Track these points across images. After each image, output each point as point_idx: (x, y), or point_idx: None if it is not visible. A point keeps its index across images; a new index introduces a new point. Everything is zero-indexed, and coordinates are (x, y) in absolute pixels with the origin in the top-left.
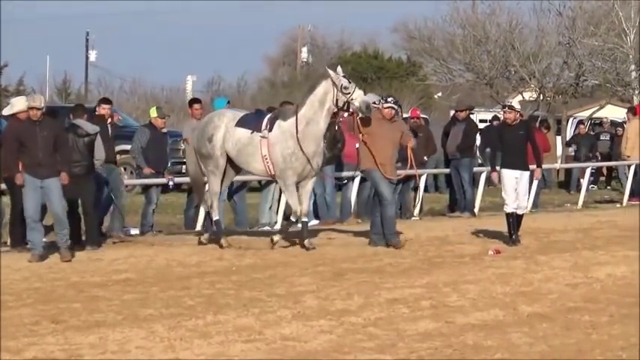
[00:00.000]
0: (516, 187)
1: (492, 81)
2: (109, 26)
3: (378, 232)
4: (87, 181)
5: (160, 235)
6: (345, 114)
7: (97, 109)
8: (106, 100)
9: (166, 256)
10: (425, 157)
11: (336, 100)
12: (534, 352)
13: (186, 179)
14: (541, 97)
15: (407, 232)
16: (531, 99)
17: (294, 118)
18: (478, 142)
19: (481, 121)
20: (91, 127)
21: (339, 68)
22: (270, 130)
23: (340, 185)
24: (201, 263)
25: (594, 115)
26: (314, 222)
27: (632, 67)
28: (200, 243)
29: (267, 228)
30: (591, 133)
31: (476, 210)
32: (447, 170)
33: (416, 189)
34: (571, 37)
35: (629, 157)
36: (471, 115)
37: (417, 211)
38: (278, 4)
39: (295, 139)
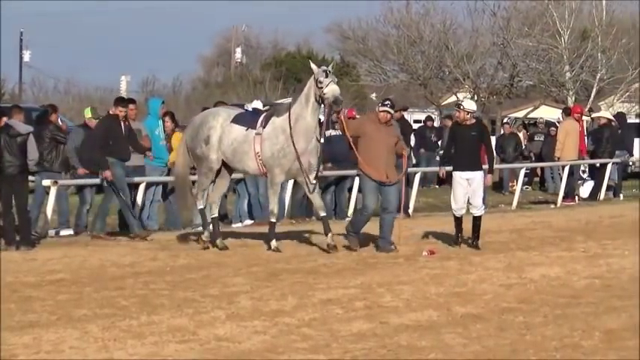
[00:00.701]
0: (467, 191)
1: (426, 81)
2: (43, 26)
3: (356, 232)
4: (20, 181)
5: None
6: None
7: (113, 109)
8: (128, 100)
9: (100, 256)
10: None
11: (315, 94)
12: (468, 352)
13: None
14: (475, 98)
15: (341, 232)
16: (466, 98)
17: (287, 114)
18: (412, 142)
19: (415, 121)
20: (23, 128)
21: (330, 66)
22: (265, 127)
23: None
24: (135, 264)
25: (529, 116)
26: (248, 222)
27: (567, 67)
28: (201, 242)
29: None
30: (517, 132)
31: (410, 210)
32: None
33: (350, 189)
34: (505, 38)
35: (559, 158)
36: (405, 116)
37: (350, 211)
38: (212, 4)
39: (287, 135)
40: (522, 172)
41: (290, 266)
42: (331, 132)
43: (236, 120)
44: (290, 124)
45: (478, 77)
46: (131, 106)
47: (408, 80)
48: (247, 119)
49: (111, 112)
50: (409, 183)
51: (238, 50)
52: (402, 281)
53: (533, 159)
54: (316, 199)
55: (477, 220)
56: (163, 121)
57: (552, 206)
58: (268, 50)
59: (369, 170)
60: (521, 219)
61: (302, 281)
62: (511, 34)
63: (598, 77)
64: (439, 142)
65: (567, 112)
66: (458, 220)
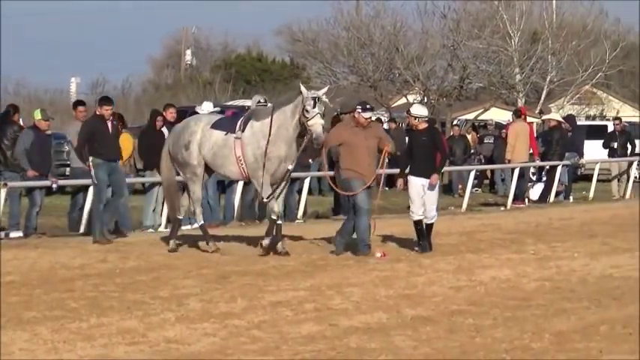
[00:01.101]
0: (423, 195)
1: (376, 83)
2: None
3: (345, 237)
4: None
5: (43, 238)
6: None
7: (98, 109)
8: (106, 101)
9: (50, 258)
10: (310, 160)
11: (299, 118)
12: (418, 354)
13: (71, 182)
14: (425, 100)
15: (291, 234)
16: (415, 101)
17: (269, 119)
18: None
19: None
20: None
21: (323, 90)
22: (244, 130)
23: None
24: (85, 266)
25: (479, 118)
26: (197, 224)
27: (517, 70)
28: (171, 251)
29: (150, 230)
30: (466, 134)
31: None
32: (332, 173)
33: (300, 191)
34: (455, 40)
35: (509, 160)
36: None
37: (300, 213)
38: (162, 5)
39: (267, 140)
40: (472, 175)
41: (239, 268)
42: None
43: (215, 125)
44: (270, 130)
45: (428, 79)
46: (80, 107)
47: (358, 82)
48: (226, 124)
49: (97, 113)
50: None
51: (188, 52)
52: (351, 283)
53: (483, 161)
54: (277, 205)
55: (429, 226)
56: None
57: (502, 208)
58: (218, 52)
59: (352, 174)
60: (471, 221)
61: (251, 283)
62: (461, 36)
63: (548, 79)
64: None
65: (518, 113)
66: (417, 224)
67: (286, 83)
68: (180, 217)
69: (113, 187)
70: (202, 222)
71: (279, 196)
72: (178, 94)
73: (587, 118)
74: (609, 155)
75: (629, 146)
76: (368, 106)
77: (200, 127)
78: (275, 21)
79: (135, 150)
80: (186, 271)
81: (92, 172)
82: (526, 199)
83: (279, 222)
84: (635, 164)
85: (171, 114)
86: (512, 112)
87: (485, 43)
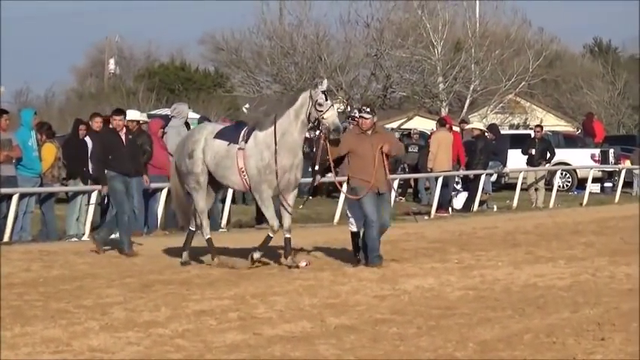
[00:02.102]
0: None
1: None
2: None
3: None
4: None
5: None
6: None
7: (110, 119)
8: (117, 112)
9: None
10: None
11: (309, 114)
12: None
13: None
14: (349, 109)
15: (214, 243)
16: (339, 110)
17: (272, 128)
18: None
19: None
20: None
21: (324, 82)
22: (247, 141)
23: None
24: (9, 275)
25: (403, 127)
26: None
27: (440, 79)
28: (183, 264)
29: (74, 239)
30: None
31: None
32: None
33: (223, 200)
34: (379, 49)
35: (432, 169)
36: None
37: (224, 222)
38: (86, 14)
39: (272, 150)
40: (395, 183)
41: (163, 277)
42: None
43: (219, 134)
44: (275, 140)
45: (351, 88)
46: (5, 116)
47: (282, 91)
48: (229, 134)
49: (110, 125)
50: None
51: (111, 61)
52: (275, 292)
53: (407, 170)
54: (287, 219)
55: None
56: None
57: (426, 217)
58: (141, 61)
59: (361, 183)
60: (395, 230)
61: (175, 292)
62: (384, 45)
63: (472, 88)
64: (310, 153)
65: (442, 122)
66: (356, 236)
67: (209, 92)
68: (193, 229)
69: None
70: (209, 235)
71: (289, 208)
72: (102, 103)
73: (511, 127)
74: (528, 162)
75: (548, 154)
76: (367, 109)
77: (203, 136)
78: (198, 30)
79: (58, 159)
80: (109, 280)
81: (108, 186)
82: (449, 208)
83: (287, 235)
84: (558, 173)
85: (97, 123)
86: (436, 121)
87: (409, 52)
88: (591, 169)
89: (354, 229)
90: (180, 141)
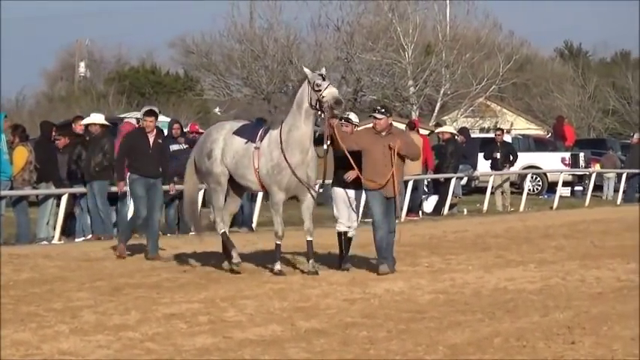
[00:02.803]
0: (349, 206)
1: (270, 96)
2: None
3: (383, 257)
4: None
5: None
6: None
7: (141, 121)
8: (149, 112)
9: None
10: None
11: (310, 98)
12: None
13: None
14: (319, 112)
15: (184, 247)
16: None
17: (280, 127)
18: None
19: None
20: None
21: (323, 69)
22: (262, 140)
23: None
24: None
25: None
26: (89, 236)
27: (410, 82)
28: (237, 264)
29: (44, 242)
30: None
31: (254, 225)
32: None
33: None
34: (349, 52)
35: None
36: None
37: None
38: (57, 18)
39: (280, 149)
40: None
41: (133, 281)
42: (175, 147)
43: (238, 132)
44: (281, 138)
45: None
46: None
47: (252, 94)
48: (248, 131)
49: (140, 125)
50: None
51: (82, 64)
52: (245, 296)
53: None
54: (308, 220)
55: (349, 239)
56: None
57: (396, 221)
58: (112, 65)
59: (371, 184)
60: (365, 233)
61: (145, 296)
62: (355, 48)
63: (442, 92)
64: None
65: (411, 126)
66: (343, 236)
67: (180, 95)
68: (224, 230)
69: (148, 203)
70: (223, 230)
71: (308, 210)
72: (72, 106)
73: (482, 130)
74: (492, 167)
75: (511, 157)
76: (381, 109)
77: (222, 135)
78: (169, 34)
79: (30, 163)
80: (80, 283)
81: (128, 189)
82: (420, 212)
83: (309, 238)
84: (528, 177)
85: (80, 126)
86: (405, 125)
87: (379, 55)
88: (562, 172)
89: (342, 228)
90: (200, 140)
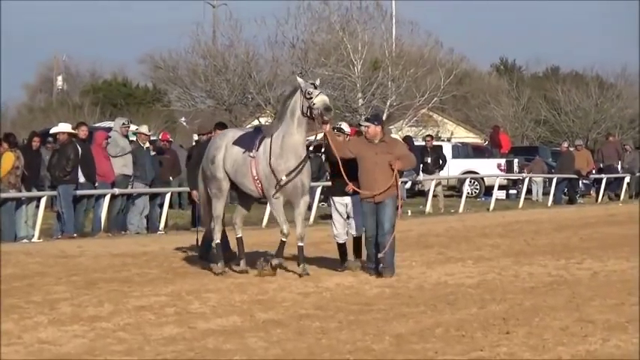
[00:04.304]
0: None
1: (231, 107)
2: None
3: (373, 263)
4: None
5: None
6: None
7: (213, 134)
8: (221, 126)
9: None
10: (170, 177)
11: (302, 106)
12: (269, 355)
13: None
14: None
15: (153, 245)
16: (267, 124)
17: (276, 134)
18: None
19: None
20: None
21: (318, 80)
22: (258, 149)
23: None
24: None
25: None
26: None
27: (359, 95)
28: (242, 271)
29: (25, 241)
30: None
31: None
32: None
33: (161, 205)
34: (303, 67)
35: None
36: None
37: (162, 225)
38: (37, 35)
39: (276, 154)
40: (318, 191)
41: (106, 276)
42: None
43: (237, 141)
44: (274, 144)
45: (278, 103)
46: None
47: (215, 106)
48: (246, 141)
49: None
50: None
51: (59, 78)
52: (209, 289)
53: (329, 178)
54: (300, 226)
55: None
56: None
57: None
58: (87, 78)
59: (365, 194)
60: (316, 232)
61: (117, 289)
62: (308, 64)
63: (388, 103)
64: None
65: (359, 135)
66: (341, 246)
67: (149, 106)
68: (240, 235)
69: None
70: (219, 240)
71: (301, 216)
72: (50, 116)
73: (424, 139)
74: (423, 170)
75: (440, 161)
76: (370, 117)
77: (224, 143)
78: (138, 50)
79: (17, 168)
80: (57, 278)
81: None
82: None
83: (300, 244)
84: (467, 181)
85: (83, 132)
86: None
87: (331, 70)
88: (497, 177)
89: (341, 240)
90: (208, 147)
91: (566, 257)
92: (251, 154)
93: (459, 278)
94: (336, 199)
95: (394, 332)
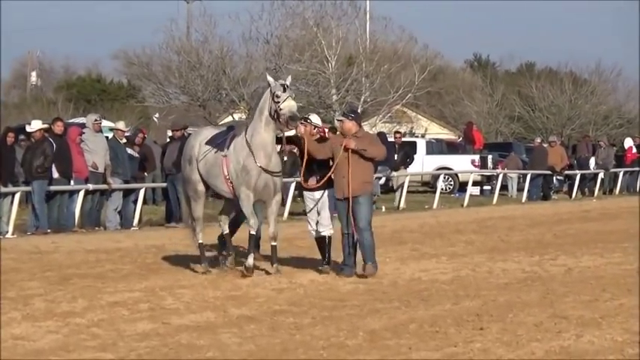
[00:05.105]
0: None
1: (205, 103)
2: None
3: (347, 263)
4: None
5: None
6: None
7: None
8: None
9: None
10: (145, 173)
11: (270, 108)
12: (243, 350)
13: None
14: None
15: (126, 241)
16: (241, 119)
17: (245, 131)
18: None
19: None
20: None
21: (289, 78)
22: (229, 148)
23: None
24: None
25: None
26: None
27: (333, 91)
28: (229, 266)
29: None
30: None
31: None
32: (165, 184)
33: (135, 201)
34: (277, 64)
35: None
36: (186, 134)
37: (136, 221)
38: (11, 31)
39: (247, 151)
40: (292, 187)
41: (80, 271)
42: (128, 151)
43: (209, 142)
44: (247, 140)
45: (252, 99)
46: None
47: (189, 102)
48: (217, 140)
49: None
50: None
51: (33, 74)
52: (182, 285)
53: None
54: (272, 225)
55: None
56: None
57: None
58: (60, 74)
59: (337, 192)
60: (290, 229)
61: (91, 285)
62: (283, 60)
63: (362, 99)
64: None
65: (334, 131)
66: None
67: (123, 103)
68: (201, 242)
69: None
70: (201, 240)
71: (273, 215)
72: (24, 112)
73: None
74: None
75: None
76: (345, 112)
77: (198, 142)
78: (112, 46)
79: None
80: (31, 273)
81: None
82: None
83: (273, 243)
84: (441, 177)
85: (58, 127)
86: (328, 129)
87: (305, 66)
88: (472, 173)
89: (314, 234)
90: (184, 146)
91: (540, 253)
92: (223, 153)
93: (432, 274)
94: (307, 194)
95: (368, 328)
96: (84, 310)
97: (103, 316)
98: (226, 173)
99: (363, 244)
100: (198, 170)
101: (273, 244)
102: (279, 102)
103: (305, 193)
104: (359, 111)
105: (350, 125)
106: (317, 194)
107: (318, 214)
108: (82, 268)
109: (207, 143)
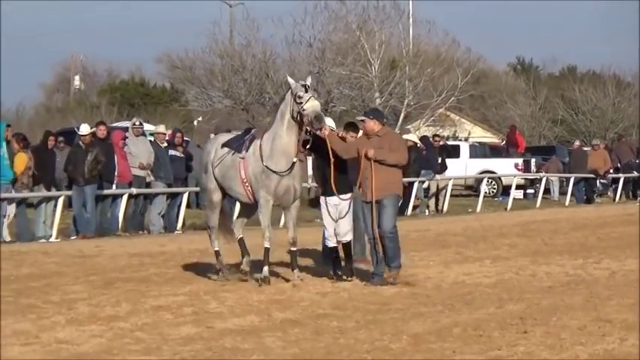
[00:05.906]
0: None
1: (248, 107)
2: None
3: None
4: None
5: None
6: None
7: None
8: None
9: None
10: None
11: (292, 110)
12: (287, 354)
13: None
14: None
15: (170, 245)
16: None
17: (267, 134)
18: None
19: None
20: None
21: (309, 78)
22: (247, 150)
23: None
24: None
25: None
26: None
27: (377, 94)
28: (242, 272)
29: (42, 240)
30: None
31: (178, 226)
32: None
33: (179, 205)
34: (321, 67)
35: None
36: None
37: (180, 225)
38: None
39: (267, 155)
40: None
41: (124, 275)
42: (172, 152)
43: (226, 143)
44: (264, 145)
45: None
46: None
47: (232, 105)
48: (235, 142)
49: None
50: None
51: (77, 78)
52: (226, 289)
53: None
54: (292, 230)
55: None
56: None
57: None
58: (104, 78)
59: (360, 192)
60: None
61: (135, 289)
62: (326, 63)
63: (405, 103)
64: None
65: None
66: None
67: (166, 106)
68: (217, 249)
69: None
70: (217, 248)
71: (292, 220)
72: (68, 116)
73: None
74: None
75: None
76: (366, 111)
77: (214, 147)
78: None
79: (29, 169)
80: (75, 277)
81: None
82: None
83: (292, 249)
84: (485, 181)
85: (101, 131)
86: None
87: (348, 69)
88: (515, 176)
89: (330, 243)
90: (202, 154)
91: (583, 257)
92: (240, 155)
93: (476, 278)
94: (327, 199)
95: (412, 332)
96: (128, 314)
97: (146, 320)
98: (243, 176)
99: (385, 248)
100: (214, 175)
101: (293, 249)
102: (301, 102)
103: (325, 197)
104: (401, 114)
105: (372, 125)
106: (337, 199)
107: (336, 221)
108: (125, 272)
109: (224, 146)
